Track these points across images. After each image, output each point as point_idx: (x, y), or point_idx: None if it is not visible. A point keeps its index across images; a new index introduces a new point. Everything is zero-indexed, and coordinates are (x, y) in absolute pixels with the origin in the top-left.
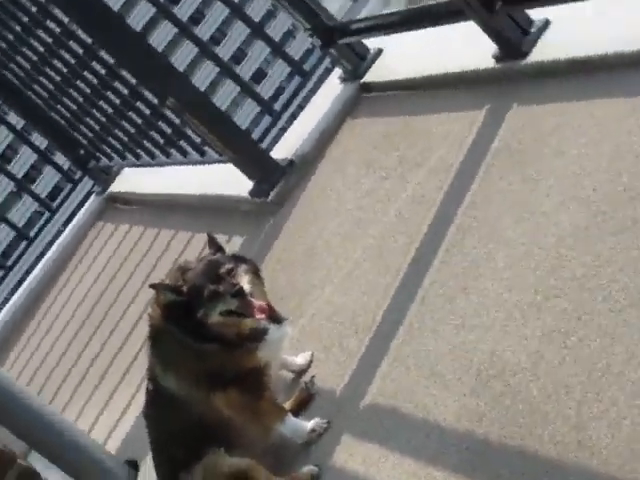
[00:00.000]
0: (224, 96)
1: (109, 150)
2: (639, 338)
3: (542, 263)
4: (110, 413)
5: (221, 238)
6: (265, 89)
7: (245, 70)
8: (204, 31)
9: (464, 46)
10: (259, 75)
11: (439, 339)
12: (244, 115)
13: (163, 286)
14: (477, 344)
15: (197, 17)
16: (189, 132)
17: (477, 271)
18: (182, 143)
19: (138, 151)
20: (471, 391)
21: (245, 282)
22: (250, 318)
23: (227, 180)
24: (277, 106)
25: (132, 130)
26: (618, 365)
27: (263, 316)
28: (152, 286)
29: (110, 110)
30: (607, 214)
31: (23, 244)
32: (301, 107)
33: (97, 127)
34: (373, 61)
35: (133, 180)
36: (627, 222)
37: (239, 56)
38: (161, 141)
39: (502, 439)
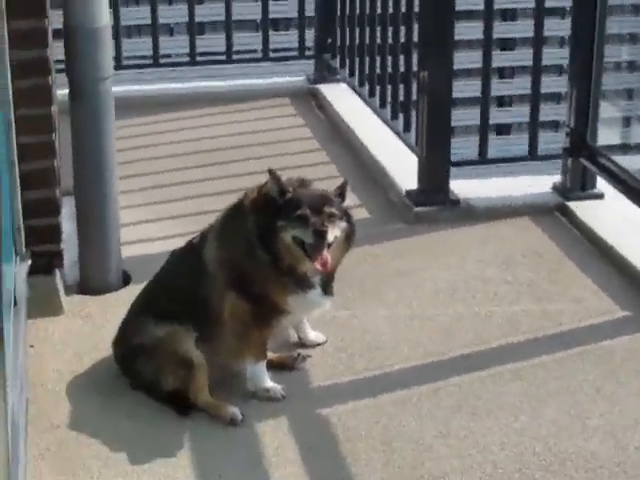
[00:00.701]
0: None
1: None
2: None
3: None
4: (148, 229)
5: None
6: None
7: None
8: None
9: None
10: None
11: None
12: None
13: (277, 179)
14: None
15: None
16: None
17: None
18: None
19: None
20: None
21: (333, 234)
22: (309, 261)
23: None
24: None
25: None
26: None
27: (319, 268)
28: (270, 171)
29: None
30: None
31: None
32: None
33: None
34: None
35: None
36: None
37: None
38: None
39: None
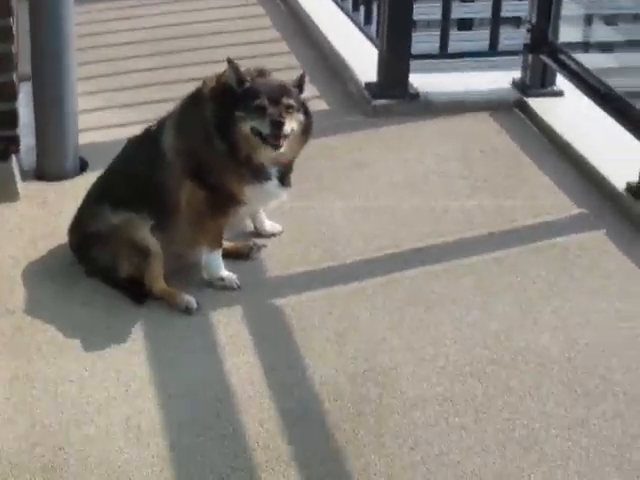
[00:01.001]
0: None
1: None
2: None
3: None
4: (105, 116)
5: None
6: None
7: None
8: None
9: None
10: None
11: None
12: None
13: (235, 68)
14: None
15: None
16: None
17: None
18: None
19: None
20: None
21: (290, 125)
22: (267, 151)
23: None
24: None
25: None
26: None
27: (277, 144)
28: (229, 60)
29: None
30: None
31: None
32: None
33: None
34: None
35: None
36: None
37: None
38: None
39: None
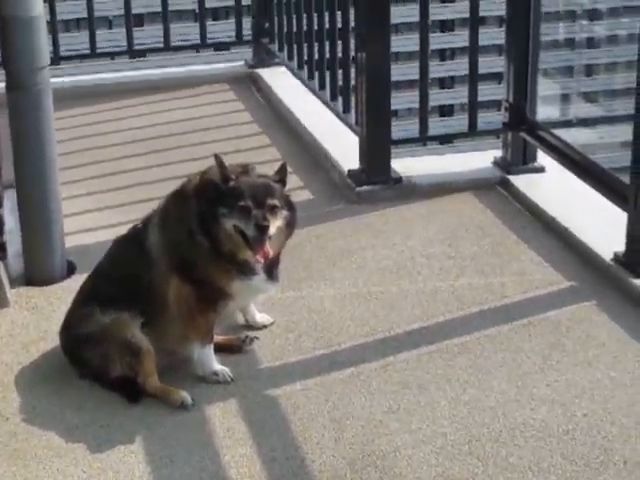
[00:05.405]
0: None
1: None
2: None
3: None
4: (92, 218)
5: None
6: None
7: None
8: None
9: None
10: None
11: None
12: None
13: (221, 164)
14: None
15: None
16: None
17: None
18: None
19: None
20: None
21: (275, 226)
22: (251, 252)
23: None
24: None
25: None
26: None
27: (261, 260)
28: (216, 156)
29: None
30: None
31: None
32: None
33: None
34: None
35: None
36: None
37: None
38: None
39: None
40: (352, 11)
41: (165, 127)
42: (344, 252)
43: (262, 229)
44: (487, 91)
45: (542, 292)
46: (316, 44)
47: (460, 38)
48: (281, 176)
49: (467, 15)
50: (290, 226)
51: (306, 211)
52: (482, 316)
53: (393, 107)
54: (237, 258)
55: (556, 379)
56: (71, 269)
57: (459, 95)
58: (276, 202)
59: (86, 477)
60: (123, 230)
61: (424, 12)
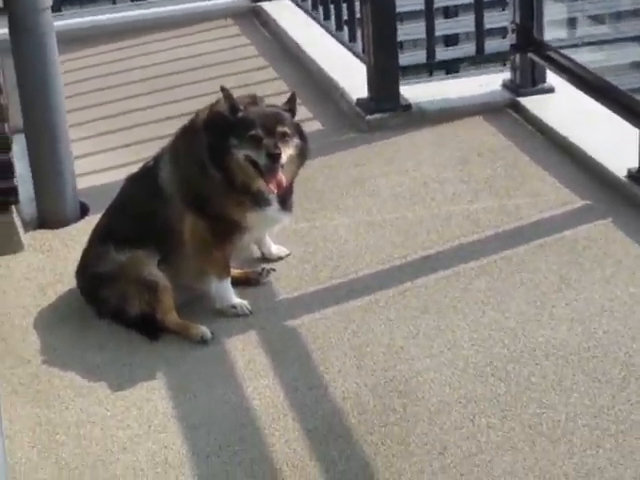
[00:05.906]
0: None
1: None
2: None
3: None
4: (102, 159)
5: None
6: None
7: None
8: None
9: None
10: None
11: None
12: None
13: (229, 96)
14: None
15: None
16: None
17: None
18: None
19: None
20: None
21: (287, 154)
22: (263, 182)
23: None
24: None
25: None
26: None
27: (274, 190)
28: (223, 88)
29: None
30: None
31: None
32: None
33: None
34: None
35: None
36: None
37: None
38: None
39: None
40: None
41: (169, 65)
42: (357, 181)
43: (274, 157)
44: (493, 19)
45: (557, 212)
46: None
47: None
48: (290, 106)
49: None
50: (302, 155)
51: (316, 142)
52: (498, 238)
53: (399, 39)
54: (250, 189)
55: (575, 298)
56: (84, 210)
57: (463, 25)
58: (287, 129)
59: (110, 415)
60: (133, 169)
61: None
